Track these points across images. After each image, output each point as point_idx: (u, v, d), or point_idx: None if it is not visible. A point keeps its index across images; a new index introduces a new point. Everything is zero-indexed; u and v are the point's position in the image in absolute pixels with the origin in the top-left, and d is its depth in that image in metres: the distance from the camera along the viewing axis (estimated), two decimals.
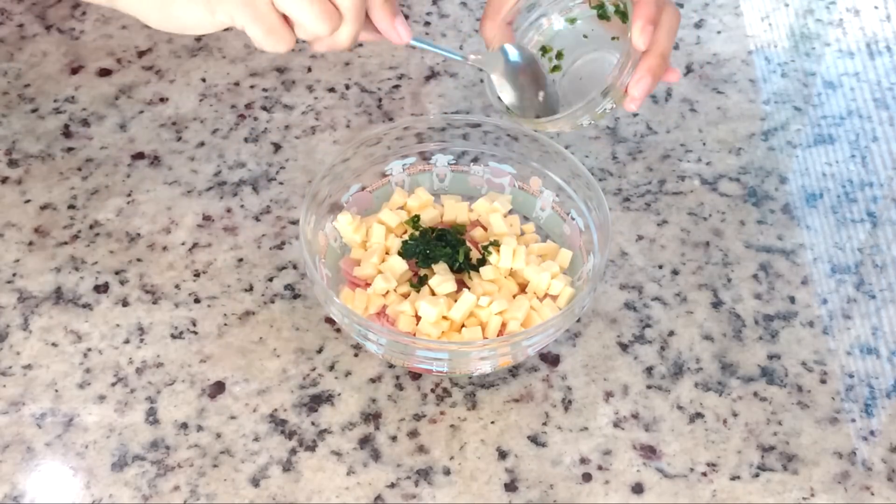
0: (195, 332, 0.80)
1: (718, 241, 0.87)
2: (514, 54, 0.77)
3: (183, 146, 0.92)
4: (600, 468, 0.74)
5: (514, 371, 0.78)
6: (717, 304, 0.83)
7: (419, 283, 0.78)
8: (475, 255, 0.80)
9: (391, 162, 0.84)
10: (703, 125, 0.96)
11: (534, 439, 0.75)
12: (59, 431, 0.75)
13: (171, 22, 0.69)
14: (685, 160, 0.93)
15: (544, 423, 0.76)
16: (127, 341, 0.79)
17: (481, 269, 0.78)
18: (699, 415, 0.76)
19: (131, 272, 0.83)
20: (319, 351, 0.79)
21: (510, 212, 0.84)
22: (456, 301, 0.76)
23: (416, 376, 0.78)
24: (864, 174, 0.92)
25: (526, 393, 0.77)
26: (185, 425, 0.75)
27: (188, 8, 0.67)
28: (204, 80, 0.98)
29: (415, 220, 0.81)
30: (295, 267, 0.84)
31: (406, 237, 0.80)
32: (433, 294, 0.77)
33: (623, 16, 0.76)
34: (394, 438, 0.75)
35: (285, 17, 0.67)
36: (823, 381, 0.78)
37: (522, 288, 0.79)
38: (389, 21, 0.69)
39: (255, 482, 0.72)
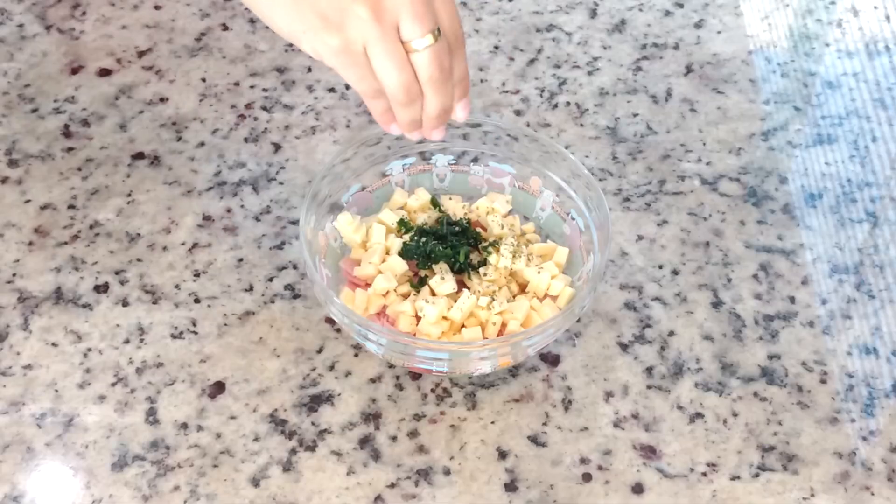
0: (195, 332, 0.80)
1: (718, 241, 0.87)
2: None
3: (183, 146, 0.92)
4: (600, 468, 0.74)
5: (514, 371, 0.78)
6: (717, 304, 0.83)
7: (419, 283, 0.78)
8: (475, 255, 0.80)
9: (391, 162, 0.84)
10: (703, 125, 0.96)
11: (534, 439, 0.75)
12: (59, 431, 0.74)
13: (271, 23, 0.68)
14: (685, 160, 0.93)
15: (544, 423, 0.76)
16: (127, 341, 0.79)
17: (481, 269, 0.78)
18: (699, 415, 0.76)
19: (131, 272, 0.83)
20: (319, 351, 0.79)
21: (510, 212, 0.84)
22: (456, 301, 0.76)
23: (416, 376, 0.78)
24: (864, 174, 0.92)
25: (526, 393, 0.77)
26: (185, 425, 0.75)
27: (284, 21, 0.67)
28: (204, 80, 0.98)
29: (402, 223, 0.81)
30: (295, 267, 0.84)
31: (406, 238, 0.80)
32: (433, 294, 0.77)
33: None
34: (394, 438, 0.75)
35: None
36: (823, 381, 0.78)
37: (522, 288, 0.79)
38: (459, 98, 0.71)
39: (255, 482, 0.72)
